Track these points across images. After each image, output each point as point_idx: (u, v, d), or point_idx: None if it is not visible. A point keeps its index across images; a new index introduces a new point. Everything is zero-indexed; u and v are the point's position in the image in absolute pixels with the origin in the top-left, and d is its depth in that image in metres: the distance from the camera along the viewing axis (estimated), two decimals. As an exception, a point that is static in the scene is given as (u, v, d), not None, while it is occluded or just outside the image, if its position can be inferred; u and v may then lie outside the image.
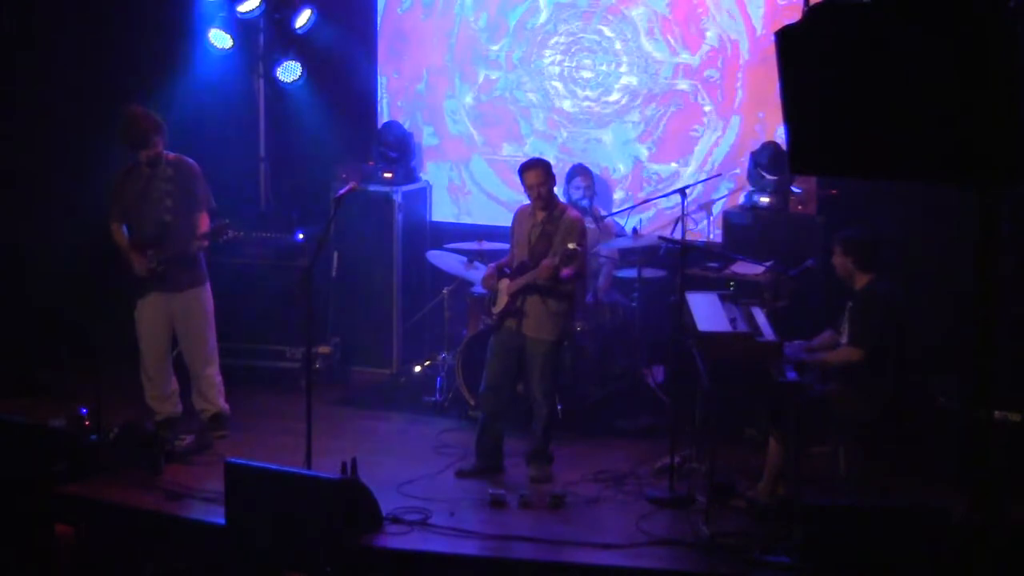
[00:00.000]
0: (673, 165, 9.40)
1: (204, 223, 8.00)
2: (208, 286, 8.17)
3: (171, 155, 8.02)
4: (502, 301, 7.61)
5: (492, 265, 7.84)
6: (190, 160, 8.08)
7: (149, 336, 8.10)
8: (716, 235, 9.06)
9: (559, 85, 9.64)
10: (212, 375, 8.23)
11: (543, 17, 9.62)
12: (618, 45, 9.43)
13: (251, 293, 9.34)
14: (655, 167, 9.46)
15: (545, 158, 7.74)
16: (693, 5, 9.22)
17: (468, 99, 9.89)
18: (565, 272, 7.35)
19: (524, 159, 7.78)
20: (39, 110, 9.60)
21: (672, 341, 7.52)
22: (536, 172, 7.51)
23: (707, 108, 9.28)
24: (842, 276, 7.09)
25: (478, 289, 8.72)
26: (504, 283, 7.64)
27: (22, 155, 9.61)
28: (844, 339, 7.04)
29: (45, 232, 9.53)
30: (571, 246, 7.23)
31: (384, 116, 10.06)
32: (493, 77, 9.80)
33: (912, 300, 7.98)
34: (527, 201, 7.65)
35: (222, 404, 8.27)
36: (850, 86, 4.51)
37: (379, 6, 10.02)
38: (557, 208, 7.57)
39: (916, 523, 6.03)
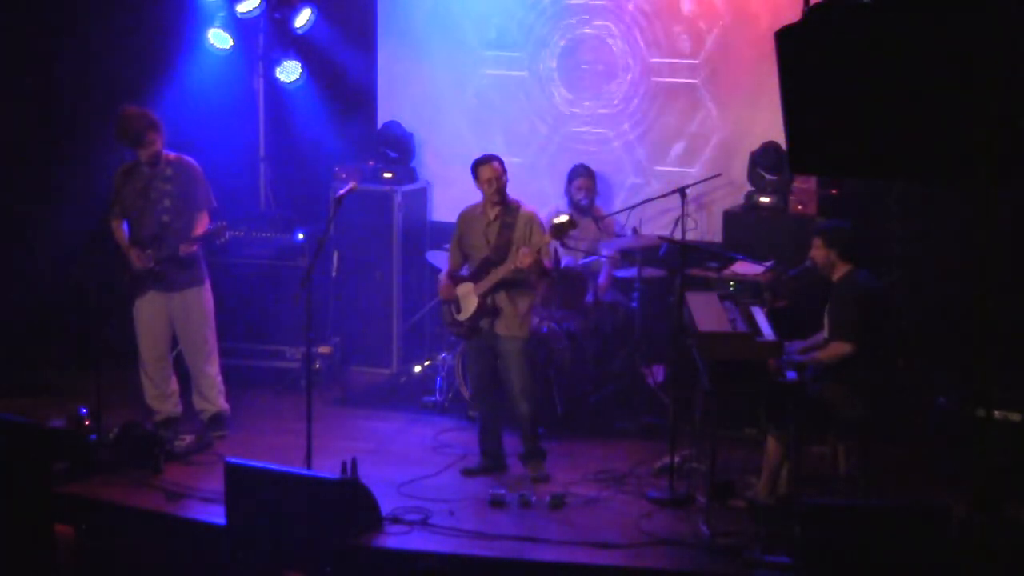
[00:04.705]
0: (673, 165, 9.40)
1: (203, 223, 8.02)
2: (207, 285, 8.17)
3: (171, 155, 8.03)
4: (471, 303, 7.58)
5: (442, 276, 7.81)
6: (191, 159, 8.09)
7: (148, 335, 8.10)
8: (716, 235, 9.05)
9: (560, 85, 9.63)
10: (212, 374, 8.24)
11: (543, 17, 9.61)
12: (619, 44, 9.43)
13: (251, 293, 9.34)
14: (655, 167, 9.46)
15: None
16: (694, 4, 9.21)
17: (468, 99, 9.88)
18: (548, 262, 7.41)
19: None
20: (40, 110, 9.60)
21: (672, 341, 7.52)
22: (494, 165, 7.51)
23: (708, 107, 9.27)
24: (822, 269, 7.10)
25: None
26: (468, 287, 7.61)
27: (23, 155, 9.61)
28: (826, 333, 7.05)
29: (45, 231, 9.53)
30: (563, 219, 7.23)
31: (384, 116, 10.06)
32: (493, 76, 9.79)
33: (911, 300, 8.00)
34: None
35: (222, 404, 8.28)
36: (850, 86, 4.51)
37: (378, 6, 10.02)
38: (511, 202, 7.58)
39: (916, 523, 6.02)
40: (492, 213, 7.56)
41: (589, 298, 8.80)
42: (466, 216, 7.70)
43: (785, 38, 4.64)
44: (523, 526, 6.92)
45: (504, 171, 7.55)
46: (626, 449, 8.11)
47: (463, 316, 7.61)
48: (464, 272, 7.71)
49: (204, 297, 8.16)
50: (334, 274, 9.44)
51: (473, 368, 7.77)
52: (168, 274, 7.96)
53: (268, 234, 9.50)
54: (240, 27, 9.82)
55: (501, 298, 7.51)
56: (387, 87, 10.09)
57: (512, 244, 7.46)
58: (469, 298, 7.58)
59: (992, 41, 4.33)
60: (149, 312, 8.07)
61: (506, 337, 7.54)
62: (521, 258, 7.31)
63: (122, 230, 8.04)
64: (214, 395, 8.25)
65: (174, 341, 8.26)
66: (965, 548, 6.09)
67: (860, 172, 6.09)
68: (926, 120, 4.45)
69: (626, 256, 9.00)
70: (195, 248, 7.96)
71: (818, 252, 7.07)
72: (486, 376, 7.70)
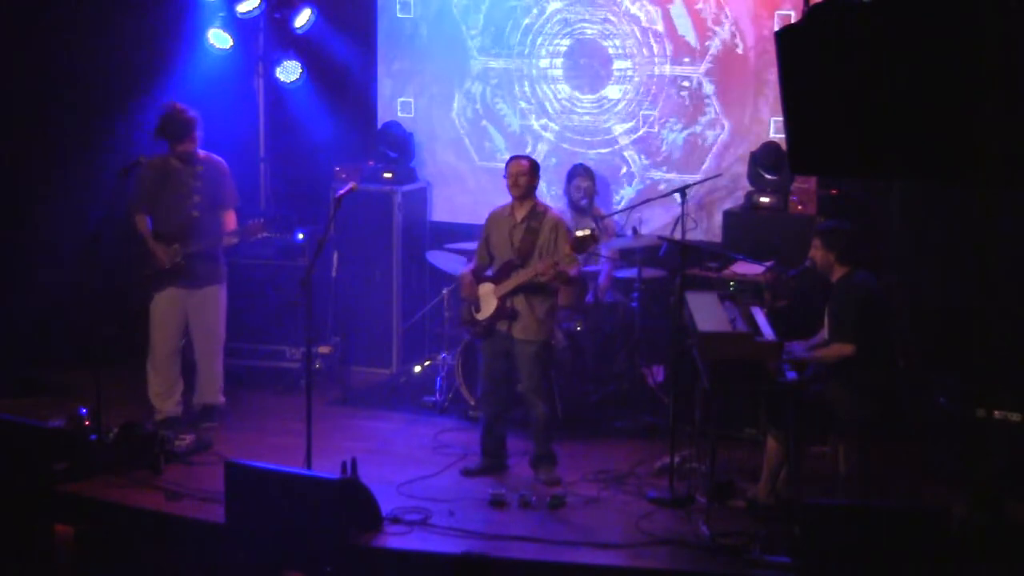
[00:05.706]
0: (673, 165, 9.40)
1: (231, 221, 8.17)
2: (225, 286, 8.30)
3: (202, 152, 8.15)
4: (490, 304, 7.60)
5: (466, 273, 7.80)
6: (220, 158, 8.24)
7: (161, 329, 8.16)
8: (716, 235, 9.05)
9: (558, 85, 9.64)
10: (218, 371, 8.33)
11: (542, 17, 9.61)
12: (619, 44, 9.43)
13: (251, 293, 9.34)
14: (655, 167, 9.46)
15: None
16: (694, 4, 9.21)
17: (467, 98, 9.88)
18: (573, 270, 7.41)
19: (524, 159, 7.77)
20: (40, 111, 9.60)
21: (672, 341, 7.52)
22: (521, 161, 7.58)
23: (708, 107, 9.27)
24: (822, 269, 7.10)
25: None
26: (489, 287, 7.62)
27: (23, 156, 9.61)
28: (826, 334, 7.05)
29: (45, 232, 9.53)
30: (587, 232, 7.23)
31: (384, 116, 10.07)
32: (492, 77, 9.80)
33: (911, 300, 8.00)
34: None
35: (219, 398, 8.32)
36: (850, 86, 4.51)
37: (379, 6, 10.02)
38: (539, 207, 7.60)
39: (916, 523, 6.03)
40: (519, 215, 7.57)
41: (589, 298, 8.80)
42: (494, 216, 7.72)
43: (785, 38, 4.64)
44: (523, 526, 6.92)
45: (530, 171, 7.54)
46: (626, 449, 8.11)
47: (481, 316, 7.62)
48: (489, 272, 7.71)
49: (221, 296, 8.28)
50: (334, 274, 9.45)
51: (485, 368, 7.75)
52: (192, 269, 8.05)
53: (268, 234, 9.48)
54: (240, 27, 9.83)
55: (519, 301, 7.50)
56: (387, 87, 10.09)
57: (536, 249, 7.47)
58: (489, 298, 7.59)
59: (992, 41, 4.33)
60: (166, 306, 8.13)
61: (522, 340, 7.53)
62: (540, 268, 7.34)
63: (146, 224, 8.10)
64: (215, 389, 8.32)
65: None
66: (965, 548, 6.09)
67: (860, 172, 6.08)
68: (926, 120, 4.45)
69: (626, 256, 9.00)
70: (235, 241, 8.12)
71: (817, 253, 7.07)
72: (496, 377, 7.68)
